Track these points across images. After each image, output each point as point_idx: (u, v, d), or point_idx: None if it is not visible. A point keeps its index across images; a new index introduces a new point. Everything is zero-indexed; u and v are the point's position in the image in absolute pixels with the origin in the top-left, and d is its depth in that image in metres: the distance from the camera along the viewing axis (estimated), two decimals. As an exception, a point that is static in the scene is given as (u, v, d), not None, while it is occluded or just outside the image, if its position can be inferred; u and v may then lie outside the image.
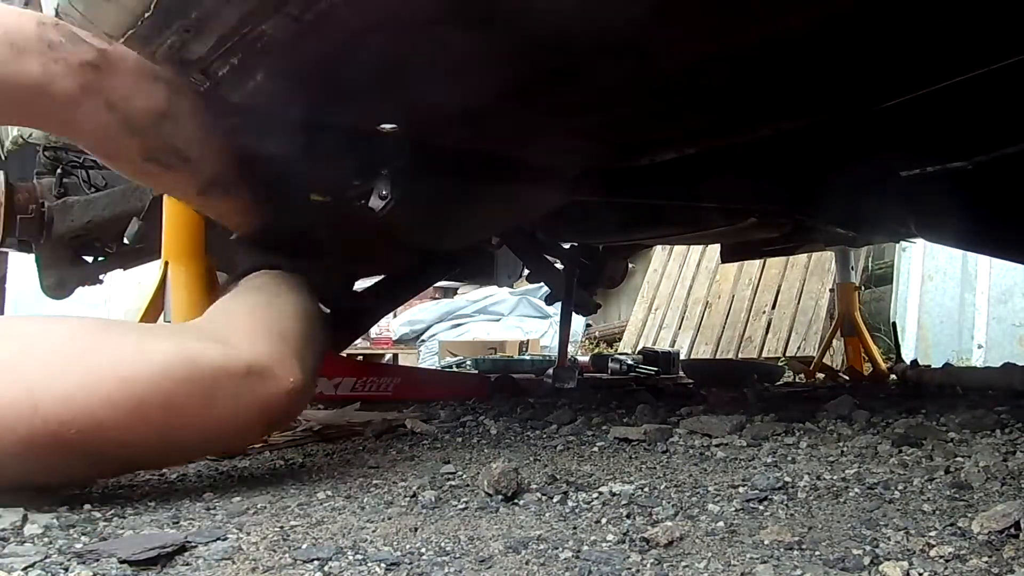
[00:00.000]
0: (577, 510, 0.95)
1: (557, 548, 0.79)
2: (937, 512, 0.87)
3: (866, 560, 0.72)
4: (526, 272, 3.30)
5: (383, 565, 0.76)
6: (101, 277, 2.69)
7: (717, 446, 1.33)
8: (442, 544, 0.83)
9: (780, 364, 4.56)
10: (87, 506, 1.00)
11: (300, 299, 1.39)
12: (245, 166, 1.44)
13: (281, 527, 0.91)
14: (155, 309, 1.58)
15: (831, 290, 5.42)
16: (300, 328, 1.30)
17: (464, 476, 1.16)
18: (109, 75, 1.23)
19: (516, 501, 1.00)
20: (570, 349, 4.58)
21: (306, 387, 1.22)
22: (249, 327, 1.23)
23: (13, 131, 1.98)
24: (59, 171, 2.32)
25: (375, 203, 1.55)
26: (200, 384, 1.08)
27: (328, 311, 1.57)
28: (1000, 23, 1.17)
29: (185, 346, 1.10)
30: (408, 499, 1.04)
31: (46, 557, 0.80)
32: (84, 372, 1.01)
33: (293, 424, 1.58)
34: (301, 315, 1.34)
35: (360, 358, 4.43)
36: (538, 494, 1.02)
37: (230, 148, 1.41)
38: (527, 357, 5.03)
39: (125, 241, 2.13)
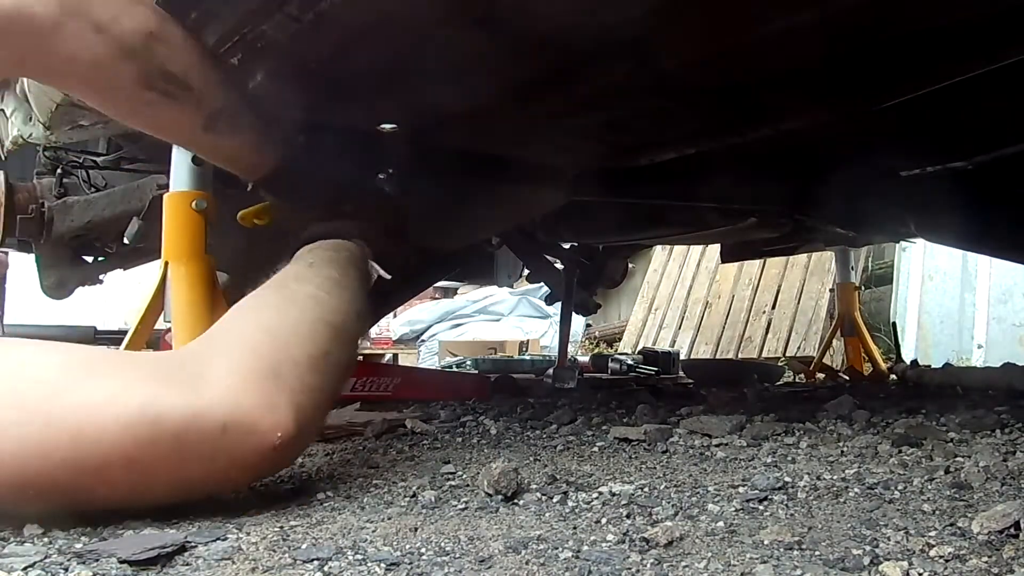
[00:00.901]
0: (577, 510, 0.95)
1: (557, 548, 0.79)
2: (937, 512, 0.87)
3: (866, 560, 0.72)
4: (526, 272, 3.31)
5: (383, 565, 0.76)
6: (101, 277, 2.69)
7: (717, 446, 1.33)
8: (442, 544, 0.83)
9: (780, 364, 4.56)
10: (87, 506, 1.00)
11: (336, 299, 1.26)
12: (252, 97, 1.36)
13: (281, 527, 0.91)
14: (155, 309, 1.58)
15: (831, 290, 5.43)
16: (317, 347, 1.16)
17: (464, 476, 1.16)
18: None
19: (516, 501, 1.00)
20: (570, 349, 4.59)
21: (301, 434, 1.07)
22: (239, 360, 1.09)
23: (13, 131, 1.98)
24: (59, 171, 2.32)
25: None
26: (166, 443, 0.97)
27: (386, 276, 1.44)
28: (1000, 22, 1.18)
29: (153, 399, 0.98)
30: (408, 499, 1.04)
31: (46, 557, 0.80)
32: (42, 427, 0.93)
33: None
34: (323, 328, 1.20)
35: (360, 358, 4.43)
36: (538, 494, 1.02)
37: (231, 81, 1.32)
38: (527, 357, 5.03)
39: (125, 241, 2.13)
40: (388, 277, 1.40)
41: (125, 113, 1.40)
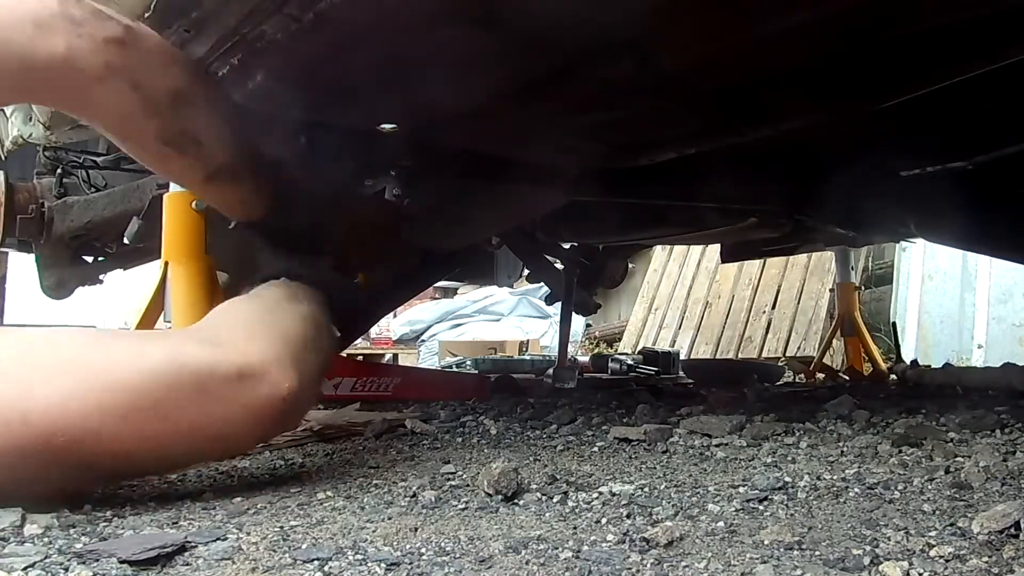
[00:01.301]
0: (577, 510, 0.95)
1: (557, 548, 0.79)
2: (937, 512, 0.87)
3: (866, 560, 0.72)
4: (526, 272, 3.30)
5: (383, 565, 0.76)
6: (101, 277, 2.69)
7: (717, 446, 1.33)
8: (442, 544, 0.83)
9: (780, 364, 4.56)
10: (87, 506, 1.00)
11: (308, 305, 1.37)
12: (252, 154, 1.43)
13: (281, 527, 0.91)
14: (155, 309, 1.58)
15: (831, 290, 5.42)
16: (303, 331, 1.26)
17: (464, 476, 1.16)
18: (134, 53, 1.21)
19: (516, 501, 1.00)
20: (570, 349, 4.59)
21: (304, 393, 1.17)
22: (246, 328, 1.19)
23: (13, 131, 1.98)
24: (59, 171, 2.32)
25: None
26: (190, 388, 1.05)
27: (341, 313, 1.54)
28: (1000, 23, 1.18)
29: (175, 350, 1.07)
30: (408, 499, 1.04)
31: (46, 557, 0.80)
32: (73, 379, 0.99)
33: (293, 424, 1.58)
34: (306, 319, 1.31)
35: (360, 358, 4.43)
36: (538, 494, 1.02)
37: (239, 135, 1.39)
38: (527, 357, 5.03)
39: (125, 241, 2.13)
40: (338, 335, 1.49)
41: (140, 157, 1.46)
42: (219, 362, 1.09)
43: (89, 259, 2.52)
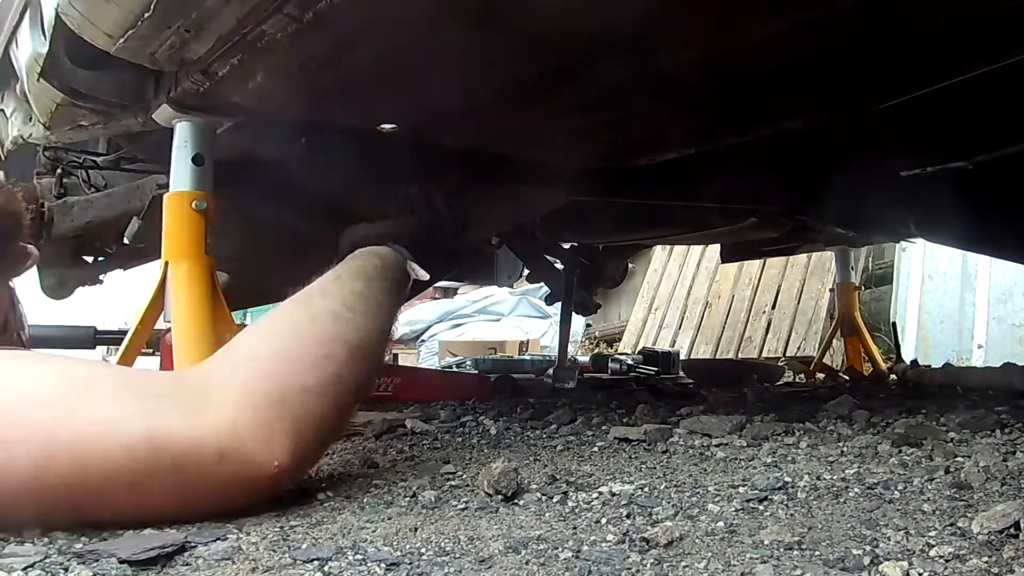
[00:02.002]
0: (577, 510, 0.95)
1: (557, 548, 0.79)
2: (937, 512, 0.87)
3: (866, 560, 0.72)
4: (526, 272, 3.30)
5: (383, 565, 0.76)
6: (101, 277, 2.69)
7: (717, 446, 1.33)
8: (442, 544, 0.83)
9: (780, 364, 4.55)
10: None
11: (358, 316, 1.26)
12: None
13: (281, 527, 0.91)
14: (155, 309, 1.57)
15: (831, 290, 5.42)
16: (321, 377, 1.15)
17: (464, 476, 1.16)
18: None
19: (516, 501, 1.00)
20: (570, 349, 4.58)
21: (297, 465, 1.08)
22: (245, 388, 1.09)
23: (13, 131, 1.98)
24: (59, 171, 2.32)
25: None
26: (167, 469, 0.98)
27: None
28: (1000, 23, 1.18)
29: (155, 425, 0.99)
30: (408, 499, 1.04)
31: (46, 557, 0.80)
32: (44, 446, 0.95)
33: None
34: (339, 348, 1.20)
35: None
36: (538, 494, 1.02)
37: None
38: (527, 357, 5.03)
39: (125, 241, 2.13)
40: (427, 278, 1.41)
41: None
42: (198, 442, 1.01)
43: (89, 259, 2.52)
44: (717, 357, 5.94)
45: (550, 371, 3.42)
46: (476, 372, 4.05)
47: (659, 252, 6.92)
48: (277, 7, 1.10)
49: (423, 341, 6.59)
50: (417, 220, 1.51)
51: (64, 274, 2.52)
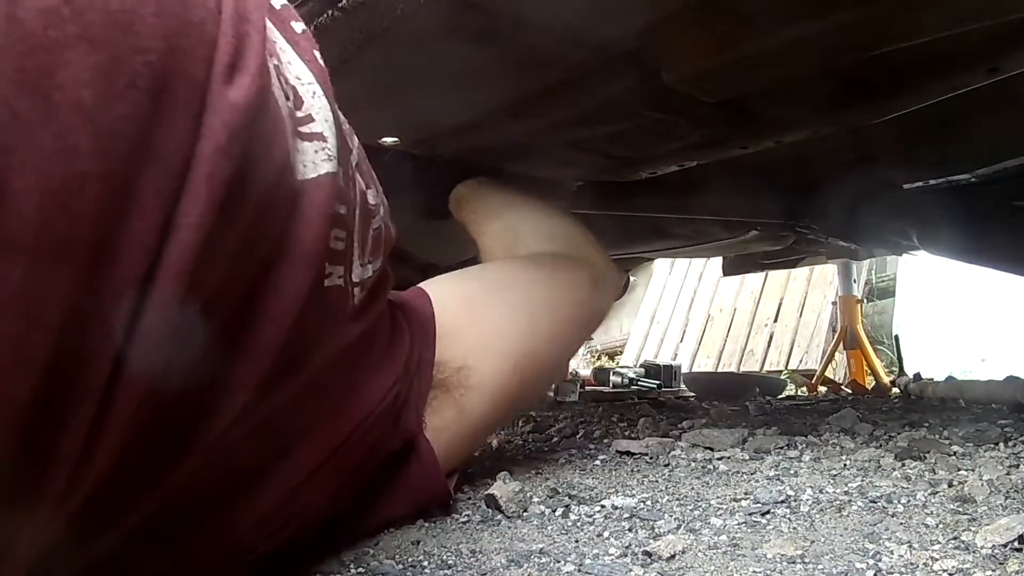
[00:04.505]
0: (579, 523, 0.95)
1: (559, 561, 0.79)
2: (940, 526, 0.87)
3: (869, 573, 0.71)
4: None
5: (385, 579, 0.76)
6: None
7: (719, 459, 1.32)
8: (444, 557, 0.83)
9: (782, 377, 4.55)
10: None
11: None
12: None
13: (282, 541, 0.91)
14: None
15: (833, 303, 5.43)
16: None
17: (466, 489, 1.16)
18: None
19: (518, 515, 1.00)
20: (572, 362, 4.58)
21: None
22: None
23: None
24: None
25: None
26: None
27: None
28: (1003, 35, 1.18)
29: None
30: (410, 512, 1.04)
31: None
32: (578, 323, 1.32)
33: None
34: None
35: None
36: (540, 507, 1.02)
37: None
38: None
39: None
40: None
41: None
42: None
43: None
44: (719, 370, 5.94)
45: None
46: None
47: (661, 266, 6.94)
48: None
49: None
50: None
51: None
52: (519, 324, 1.17)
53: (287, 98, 0.71)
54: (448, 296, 1.16)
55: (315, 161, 0.72)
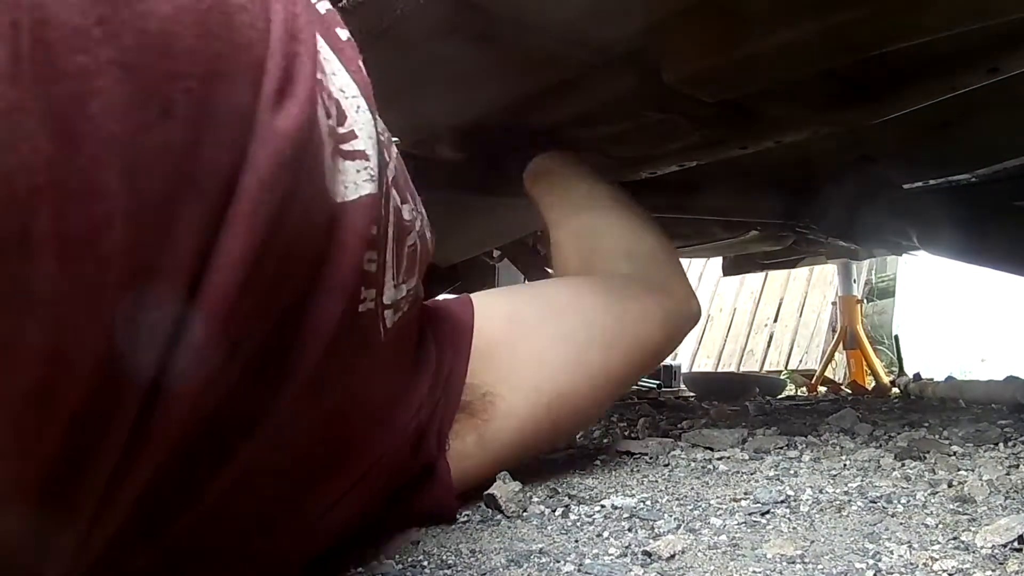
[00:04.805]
0: (579, 523, 0.95)
1: (559, 561, 0.79)
2: (940, 526, 0.87)
3: (869, 574, 0.71)
4: (528, 285, 3.30)
5: (385, 579, 0.76)
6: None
7: (719, 459, 1.32)
8: (444, 557, 0.83)
9: (782, 377, 4.55)
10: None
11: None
12: None
13: (282, 541, 0.91)
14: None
15: (833, 303, 5.43)
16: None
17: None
18: None
19: (518, 514, 1.00)
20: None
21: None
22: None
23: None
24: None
25: None
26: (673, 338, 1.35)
27: None
28: (1003, 35, 1.18)
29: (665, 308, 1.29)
30: (410, 513, 1.04)
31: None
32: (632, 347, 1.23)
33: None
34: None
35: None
36: (540, 507, 1.02)
37: None
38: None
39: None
40: None
41: None
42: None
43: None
44: (719, 370, 5.94)
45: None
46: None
47: (661, 265, 6.92)
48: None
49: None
50: None
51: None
52: (565, 356, 1.09)
53: (328, 116, 0.66)
54: (494, 312, 1.10)
55: (356, 182, 0.68)
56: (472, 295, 1.12)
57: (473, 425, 1.01)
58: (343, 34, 0.75)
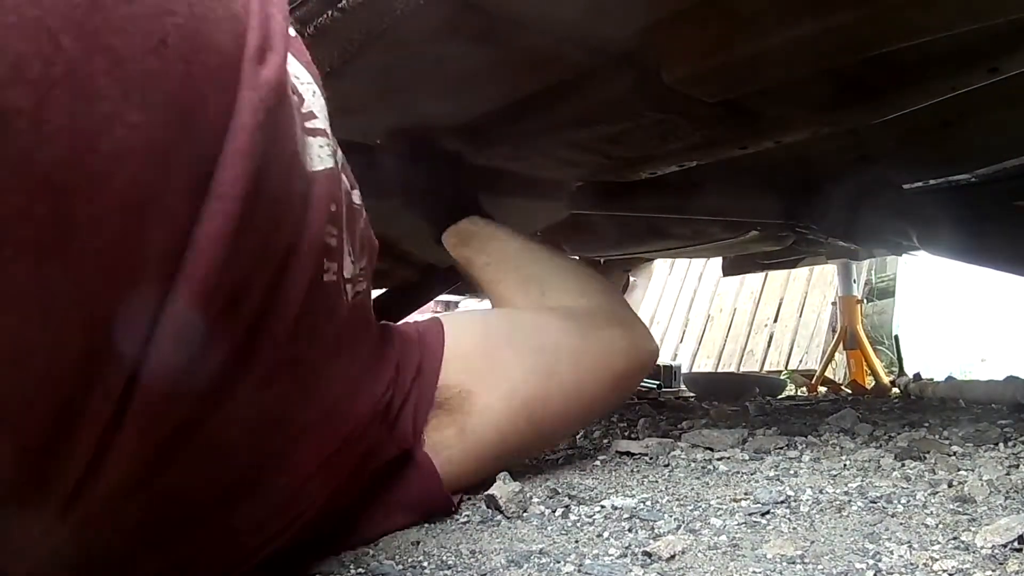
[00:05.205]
0: (579, 524, 0.95)
1: (559, 562, 0.79)
2: (940, 526, 0.87)
3: (869, 574, 0.71)
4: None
5: (384, 579, 0.76)
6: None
7: (719, 459, 1.32)
8: (444, 557, 0.83)
9: (782, 377, 4.55)
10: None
11: None
12: None
13: (282, 541, 0.91)
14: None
15: (833, 303, 5.43)
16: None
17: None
18: None
19: (518, 515, 1.00)
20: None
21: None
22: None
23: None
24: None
25: None
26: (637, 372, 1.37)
27: None
28: (1003, 35, 1.18)
29: (631, 338, 1.32)
30: (409, 513, 1.04)
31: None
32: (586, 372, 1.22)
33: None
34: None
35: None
36: (540, 507, 1.02)
37: None
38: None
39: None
40: None
41: None
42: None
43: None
44: (719, 370, 5.94)
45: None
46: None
47: (660, 266, 6.93)
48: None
49: (425, 355, 6.57)
50: None
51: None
52: (535, 366, 1.12)
53: (293, 92, 0.71)
54: (465, 326, 1.14)
55: (320, 156, 0.72)
56: (442, 316, 1.15)
57: (452, 419, 1.03)
58: (291, 31, 0.81)
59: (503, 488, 1.02)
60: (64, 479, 0.50)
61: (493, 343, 1.14)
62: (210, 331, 0.56)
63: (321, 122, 0.75)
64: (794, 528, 0.89)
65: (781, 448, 1.41)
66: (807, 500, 1.01)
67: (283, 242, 0.65)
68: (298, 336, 0.69)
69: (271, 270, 0.64)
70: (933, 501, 0.98)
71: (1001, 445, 1.36)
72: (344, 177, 0.85)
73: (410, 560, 0.82)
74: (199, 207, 0.53)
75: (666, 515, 0.96)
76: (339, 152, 0.86)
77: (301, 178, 0.68)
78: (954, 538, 0.81)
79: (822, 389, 3.87)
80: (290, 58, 0.75)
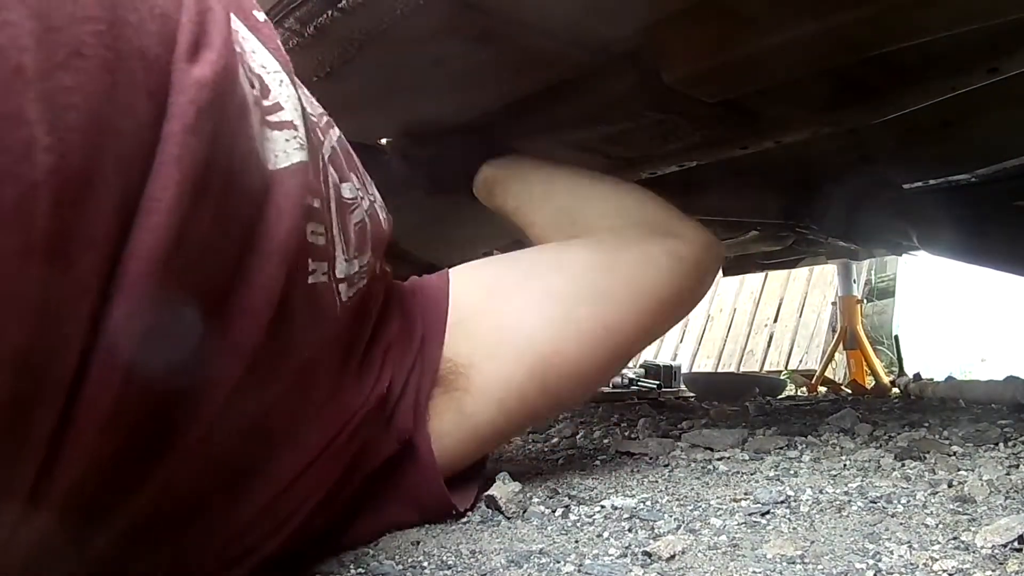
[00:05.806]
0: (579, 524, 0.95)
1: (559, 562, 0.79)
2: (940, 526, 0.87)
3: (869, 574, 0.71)
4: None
5: (384, 579, 0.76)
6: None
7: (719, 460, 1.32)
8: (444, 558, 0.83)
9: (782, 377, 4.55)
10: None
11: None
12: None
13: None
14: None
15: (833, 303, 5.43)
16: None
17: (465, 490, 1.16)
18: None
19: (518, 515, 1.00)
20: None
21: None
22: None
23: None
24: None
25: None
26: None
27: None
28: (1003, 35, 1.18)
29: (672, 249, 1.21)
30: (409, 513, 1.04)
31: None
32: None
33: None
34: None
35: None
36: (540, 507, 1.02)
37: None
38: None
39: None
40: None
41: None
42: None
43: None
44: (719, 370, 5.94)
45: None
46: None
47: (661, 265, 6.93)
48: (277, 22, 1.11)
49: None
50: None
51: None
52: (550, 316, 1.02)
53: (252, 86, 0.66)
54: (473, 281, 1.06)
55: (286, 150, 0.69)
56: (451, 268, 1.09)
57: (449, 400, 0.98)
58: (260, 16, 0.77)
59: (503, 488, 1.02)
60: (24, 469, 0.49)
61: (499, 297, 1.05)
62: (159, 341, 0.54)
63: (289, 113, 0.71)
64: (794, 528, 0.89)
65: (781, 448, 1.41)
66: (807, 500, 1.01)
67: (236, 242, 0.62)
68: (277, 340, 0.67)
69: (225, 272, 0.61)
70: (933, 501, 0.98)
71: (1001, 445, 1.36)
72: (332, 170, 0.82)
73: (410, 560, 0.82)
74: (129, 225, 0.50)
75: (666, 515, 0.96)
76: (326, 144, 0.83)
77: (256, 174, 0.65)
78: (954, 538, 0.81)
79: (822, 389, 3.87)
80: (256, 47, 0.72)
